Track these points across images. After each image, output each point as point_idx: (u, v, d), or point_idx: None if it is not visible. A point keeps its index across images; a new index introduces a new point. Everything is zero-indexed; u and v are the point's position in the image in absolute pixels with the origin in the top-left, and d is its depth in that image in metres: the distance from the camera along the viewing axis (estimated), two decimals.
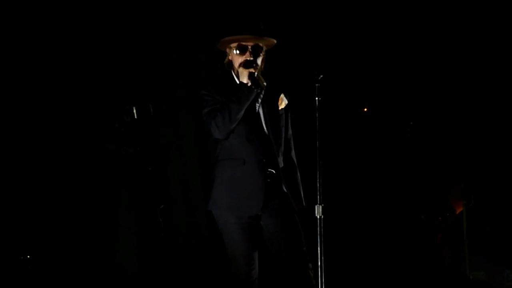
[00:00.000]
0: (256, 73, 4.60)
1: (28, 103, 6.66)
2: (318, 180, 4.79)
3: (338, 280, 5.92)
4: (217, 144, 4.68)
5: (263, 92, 4.70)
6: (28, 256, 6.33)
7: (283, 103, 4.79)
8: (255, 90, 4.55)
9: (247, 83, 4.55)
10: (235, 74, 4.70)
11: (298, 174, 4.82)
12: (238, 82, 4.63)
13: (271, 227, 4.67)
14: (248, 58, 4.61)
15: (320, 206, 4.81)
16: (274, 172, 4.66)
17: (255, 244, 4.67)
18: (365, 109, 7.03)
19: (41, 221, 6.61)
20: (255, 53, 4.64)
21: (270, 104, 4.73)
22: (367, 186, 7.10)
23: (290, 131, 4.87)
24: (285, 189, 4.68)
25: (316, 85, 4.85)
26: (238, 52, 4.64)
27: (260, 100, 4.69)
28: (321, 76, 4.86)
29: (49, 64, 6.67)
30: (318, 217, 4.82)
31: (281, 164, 4.70)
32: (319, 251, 4.78)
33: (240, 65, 4.61)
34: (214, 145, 4.70)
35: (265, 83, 4.71)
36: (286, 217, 4.68)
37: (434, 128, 7.35)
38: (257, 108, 4.67)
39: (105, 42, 6.82)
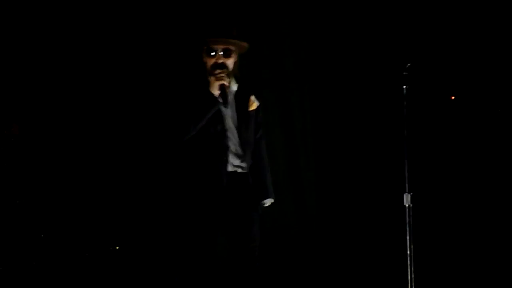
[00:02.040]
0: (226, 84, 4.63)
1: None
2: (406, 169, 4.78)
3: (427, 270, 5.88)
4: None
5: (233, 95, 4.74)
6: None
7: (254, 104, 4.82)
8: (220, 105, 4.61)
9: (215, 96, 4.61)
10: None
11: (267, 172, 4.83)
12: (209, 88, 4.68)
13: None
14: (218, 61, 4.66)
15: (409, 195, 4.80)
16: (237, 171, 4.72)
17: None
18: (453, 97, 6.94)
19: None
20: (226, 55, 4.69)
21: (240, 105, 4.78)
22: (456, 174, 7.01)
23: (260, 132, 4.87)
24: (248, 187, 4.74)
25: (404, 73, 4.85)
26: (207, 54, 4.69)
27: (227, 104, 4.74)
28: (409, 64, 4.85)
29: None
30: (406, 205, 4.81)
31: (249, 163, 4.74)
32: (408, 241, 4.77)
33: (211, 73, 4.65)
34: None
35: (236, 85, 4.76)
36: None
37: None
38: (223, 111, 4.72)
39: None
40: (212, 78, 4.63)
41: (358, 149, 6.99)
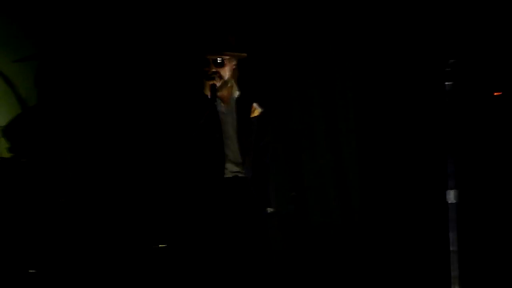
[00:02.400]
0: (217, 85, 4.73)
1: None
2: (448, 165, 4.75)
3: (474, 268, 5.84)
4: None
5: (234, 102, 4.79)
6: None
7: (256, 111, 4.85)
8: (212, 102, 4.67)
9: (207, 95, 4.68)
10: None
11: (269, 181, 4.88)
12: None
13: None
14: (213, 70, 4.78)
15: (453, 191, 4.78)
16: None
17: None
18: (496, 93, 6.88)
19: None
20: (219, 65, 4.77)
21: (242, 111, 4.80)
22: (502, 171, 6.94)
23: (268, 137, 4.93)
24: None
25: (446, 69, 4.82)
26: (203, 65, 4.80)
27: (222, 110, 4.79)
28: (452, 60, 4.83)
29: None
30: (450, 202, 4.79)
31: (248, 170, 4.78)
32: (452, 238, 4.74)
33: (203, 76, 4.79)
34: None
35: (238, 92, 4.82)
36: None
37: None
38: (222, 118, 4.76)
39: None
40: (204, 80, 4.75)
41: (402, 146, 6.96)
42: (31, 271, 5.79)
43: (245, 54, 4.88)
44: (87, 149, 6.96)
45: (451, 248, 4.72)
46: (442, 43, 6.61)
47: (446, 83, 4.83)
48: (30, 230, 5.85)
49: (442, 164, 4.89)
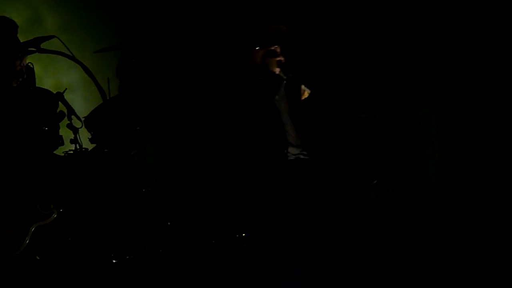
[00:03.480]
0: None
1: None
2: None
3: None
4: None
5: (283, 85, 4.72)
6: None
7: (305, 93, 4.80)
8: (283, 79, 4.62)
9: (274, 72, 4.63)
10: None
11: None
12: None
13: None
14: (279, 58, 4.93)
15: None
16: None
17: None
18: None
19: None
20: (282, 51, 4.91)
21: (292, 96, 4.75)
22: None
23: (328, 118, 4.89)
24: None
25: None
26: (268, 56, 4.87)
27: (279, 93, 4.71)
28: None
29: None
30: None
31: (311, 151, 4.68)
32: None
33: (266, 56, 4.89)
34: None
35: (284, 77, 4.78)
36: None
37: None
38: (277, 106, 4.69)
39: None
40: (268, 59, 4.88)
41: (483, 146, 6.87)
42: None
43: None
44: (164, 139, 7.04)
45: None
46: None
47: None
48: (118, 219, 5.92)
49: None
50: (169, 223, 6.47)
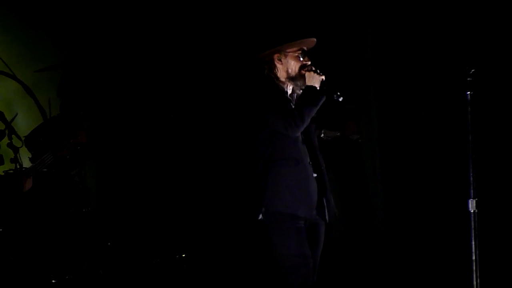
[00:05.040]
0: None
1: None
2: (471, 174, 4.76)
3: (492, 276, 5.82)
4: (267, 145, 4.58)
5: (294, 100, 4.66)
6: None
7: None
8: (323, 94, 4.55)
9: (316, 87, 4.55)
10: (279, 82, 4.65)
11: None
12: (284, 89, 4.63)
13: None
14: (307, 62, 4.64)
15: (474, 201, 4.78)
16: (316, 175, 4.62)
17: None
18: None
19: None
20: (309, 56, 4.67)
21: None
22: None
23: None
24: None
25: (468, 79, 4.83)
26: (301, 58, 4.63)
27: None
28: (473, 70, 4.83)
29: None
30: (471, 211, 4.79)
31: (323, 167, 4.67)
32: (473, 246, 4.74)
33: (307, 70, 4.60)
34: (262, 146, 4.60)
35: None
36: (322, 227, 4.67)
37: None
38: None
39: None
40: (309, 73, 4.58)
41: (423, 155, 6.96)
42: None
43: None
44: (105, 158, 7.02)
45: (473, 258, 4.72)
46: (463, 52, 6.61)
47: (468, 92, 4.84)
48: (58, 239, 5.90)
49: (464, 173, 4.90)
50: (109, 243, 6.45)
